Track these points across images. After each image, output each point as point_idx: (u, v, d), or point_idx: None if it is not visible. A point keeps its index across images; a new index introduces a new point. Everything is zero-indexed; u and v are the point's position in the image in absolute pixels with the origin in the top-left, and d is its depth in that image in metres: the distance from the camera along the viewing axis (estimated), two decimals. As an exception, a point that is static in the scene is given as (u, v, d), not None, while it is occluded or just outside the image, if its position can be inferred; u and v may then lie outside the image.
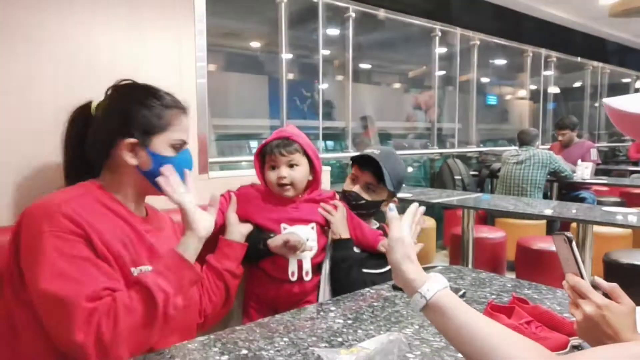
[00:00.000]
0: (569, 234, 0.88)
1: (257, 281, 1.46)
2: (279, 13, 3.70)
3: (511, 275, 3.46)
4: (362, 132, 5.44)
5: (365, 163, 1.52)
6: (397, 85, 8.19)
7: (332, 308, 1.18)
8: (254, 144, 5.82)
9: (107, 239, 0.98)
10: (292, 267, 1.42)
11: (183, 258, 1.00)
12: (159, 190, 1.08)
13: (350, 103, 4.29)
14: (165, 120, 1.11)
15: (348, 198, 1.56)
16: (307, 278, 1.44)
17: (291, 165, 1.43)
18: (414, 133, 6.80)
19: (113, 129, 1.09)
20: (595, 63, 7.58)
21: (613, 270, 2.74)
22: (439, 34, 4.83)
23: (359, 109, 5.51)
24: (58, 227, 0.92)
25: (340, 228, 1.48)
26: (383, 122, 6.32)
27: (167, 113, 1.12)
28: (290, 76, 5.52)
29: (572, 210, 2.77)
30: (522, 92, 8.26)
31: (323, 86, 6.85)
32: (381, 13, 4.56)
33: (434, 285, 0.75)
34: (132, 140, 1.08)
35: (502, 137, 7.37)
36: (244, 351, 0.90)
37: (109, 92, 1.15)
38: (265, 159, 1.46)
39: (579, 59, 7.26)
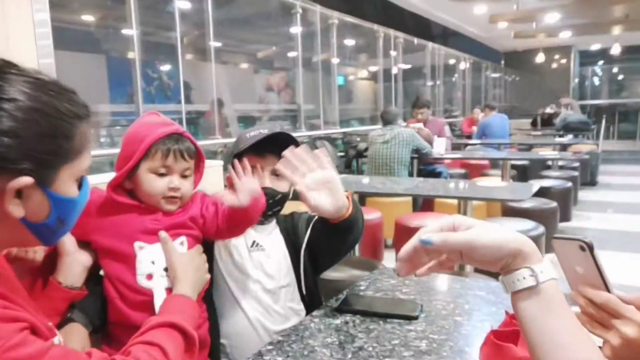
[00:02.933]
0: (587, 240, 0.73)
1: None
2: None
3: (390, 254, 3.54)
4: (206, 112, 4.99)
5: (262, 147, 1.17)
6: (245, 66, 7.90)
7: (279, 359, 0.90)
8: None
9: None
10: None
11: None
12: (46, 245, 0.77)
13: (214, 84, 3.87)
14: (78, 142, 0.69)
15: None
16: None
17: (185, 175, 1.06)
18: (273, 115, 6.62)
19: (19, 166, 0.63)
20: (431, 44, 8.24)
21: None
22: (300, 11, 4.64)
23: (209, 90, 5.10)
24: (5, 337, 0.61)
25: None
26: (239, 105, 6.02)
27: (80, 128, 0.70)
28: (131, 55, 4.87)
29: (449, 186, 2.86)
30: (365, 73, 8.66)
31: (166, 67, 6.23)
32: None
33: (550, 269, 0.63)
34: (26, 181, 0.64)
35: (351, 116, 7.62)
36: None
37: None
38: (143, 160, 1.03)
39: (415, 41, 7.80)
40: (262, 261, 1.20)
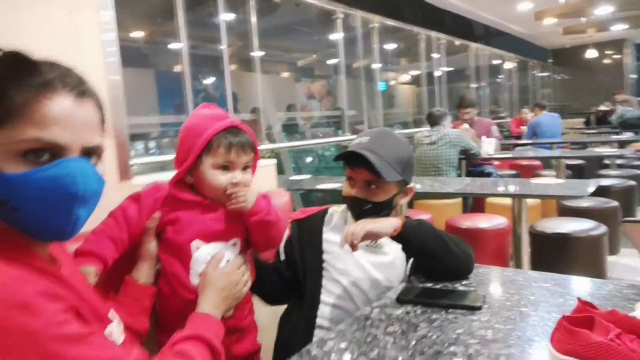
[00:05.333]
0: None
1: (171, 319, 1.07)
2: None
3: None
4: (250, 120, 5.08)
5: (355, 159, 1.21)
6: (286, 75, 8.01)
7: (342, 345, 0.90)
8: (139, 146, 5.24)
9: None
10: None
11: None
12: (24, 232, 0.67)
13: (260, 93, 3.95)
14: (7, 107, 0.64)
15: (351, 206, 1.26)
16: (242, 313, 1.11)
17: (245, 167, 1.09)
18: (316, 122, 6.67)
19: None
20: (474, 45, 8.07)
21: (539, 240, 2.83)
22: (341, 16, 4.66)
23: (253, 100, 5.21)
24: (50, 314, 0.61)
25: None
26: (281, 113, 6.10)
27: (12, 94, 0.64)
28: (178, 68, 5.07)
29: (501, 184, 2.78)
30: (407, 77, 8.58)
31: (211, 79, 6.41)
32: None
33: None
34: None
35: (394, 121, 7.57)
36: None
37: None
38: (204, 154, 1.05)
39: (457, 42, 7.65)
40: (375, 257, 1.26)
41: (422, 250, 1.18)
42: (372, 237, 1.14)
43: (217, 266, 1.04)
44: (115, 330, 0.82)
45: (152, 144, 5.56)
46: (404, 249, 1.24)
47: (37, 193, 0.64)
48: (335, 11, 4.69)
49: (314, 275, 1.26)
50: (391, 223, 1.16)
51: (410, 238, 1.16)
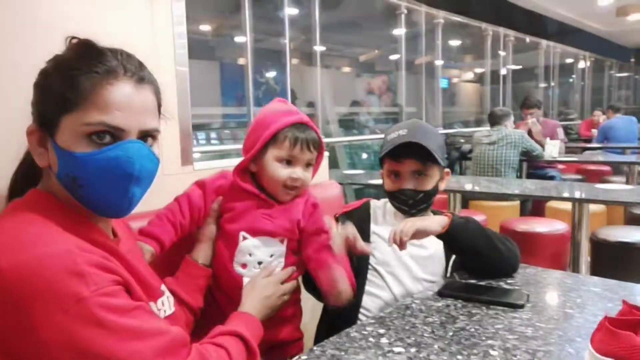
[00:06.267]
0: None
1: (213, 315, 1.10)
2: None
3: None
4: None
5: (400, 152, 1.23)
6: (347, 70, 8.01)
7: (381, 331, 0.93)
8: (201, 135, 5.45)
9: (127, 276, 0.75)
10: None
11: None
12: (87, 207, 0.75)
13: (319, 87, 4.00)
14: (82, 93, 0.71)
15: (402, 199, 1.26)
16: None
17: (308, 164, 1.12)
18: (374, 117, 6.65)
19: (34, 114, 0.76)
20: (545, 42, 7.70)
21: (600, 248, 2.69)
22: (405, 11, 4.62)
23: (313, 94, 5.27)
24: (101, 285, 0.67)
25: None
26: (341, 108, 6.15)
27: (87, 81, 0.71)
28: (241, 61, 5.22)
29: (563, 187, 2.67)
30: (470, 75, 8.32)
31: (273, 72, 6.55)
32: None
33: None
34: (31, 127, 0.75)
35: (454, 120, 7.39)
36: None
37: None
38: (270, 145, 1.08)
39: (527, 39, 7.33)
40: (414, 250, 1.26)
41: (468, 248, 1.18)
42: (421, 235, 1.14)
43: (268, 275, 1.08)
44: (166, 302, 0.89)
45: (213, 134, 5.77)
46: (448, 246, 1.25)
47: (99, 172, 0.71)
48: (400, 6, 4.66)
49: (360, 265, 1.29)
50: (439, 221, 1.16)
51: (457, 236, 1.16)
